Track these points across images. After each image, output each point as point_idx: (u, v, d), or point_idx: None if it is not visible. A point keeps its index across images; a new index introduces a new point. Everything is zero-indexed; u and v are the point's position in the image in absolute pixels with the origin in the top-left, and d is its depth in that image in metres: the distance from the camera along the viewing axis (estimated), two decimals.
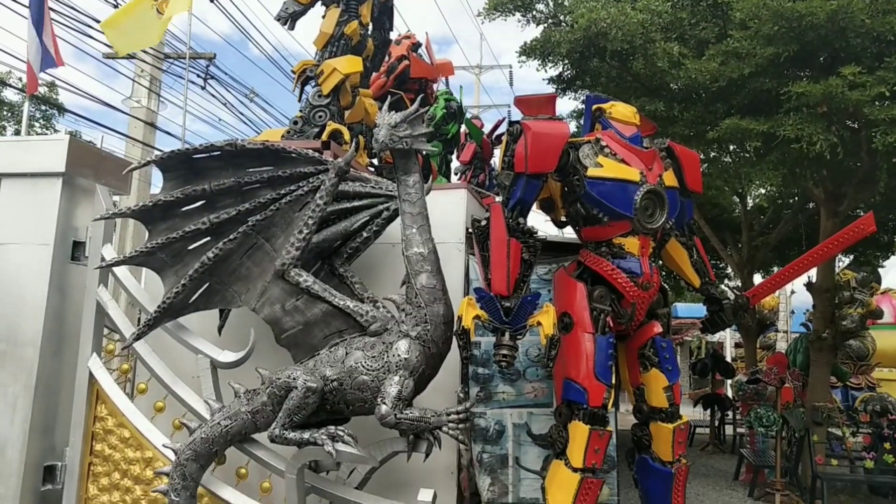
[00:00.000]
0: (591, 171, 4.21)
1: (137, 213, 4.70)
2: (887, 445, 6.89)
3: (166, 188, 4.73)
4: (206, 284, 4.64)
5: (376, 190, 4.89)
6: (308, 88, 6.10)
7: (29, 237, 4.95)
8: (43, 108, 16.89)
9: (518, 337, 3.97)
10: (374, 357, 4.15)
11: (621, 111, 4.44)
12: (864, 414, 7.62)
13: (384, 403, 3.97)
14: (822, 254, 4.64)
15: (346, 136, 5.75)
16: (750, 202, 11.22)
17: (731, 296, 4.85)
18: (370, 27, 6.43)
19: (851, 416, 7.64)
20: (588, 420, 4.02)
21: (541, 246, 4.18)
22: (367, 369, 4.13)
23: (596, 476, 4.03)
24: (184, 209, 4.71)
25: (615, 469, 4.71)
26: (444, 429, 4.06)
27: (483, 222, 4.14)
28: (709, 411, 10.88)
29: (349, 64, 5.84)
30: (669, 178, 4.42)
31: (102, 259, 4.84)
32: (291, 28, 6.06)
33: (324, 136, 5.75)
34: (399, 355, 4.06)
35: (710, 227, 11.40)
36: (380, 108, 4.41)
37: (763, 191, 8.38)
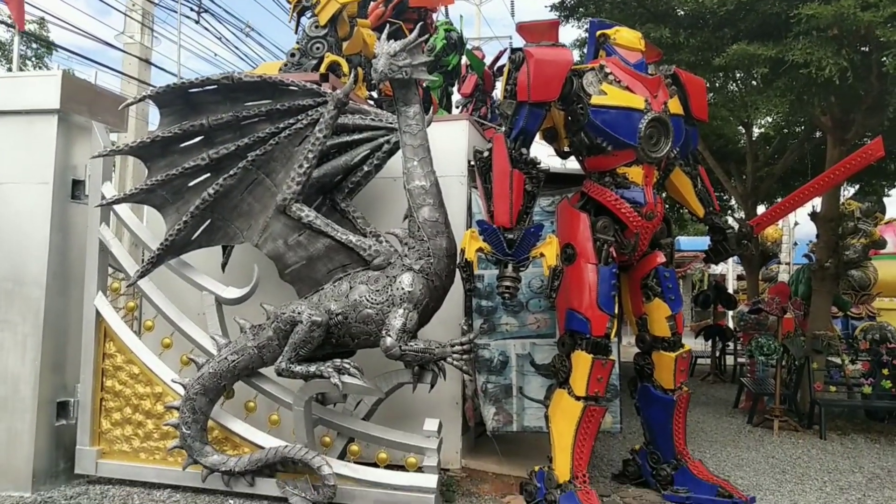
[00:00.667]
0: (595, 99, 4.13)
1: (135, 149, 4.65)
2: (885, 371, 6.97)
3: (164, 124, 4.67)
4: (208, 221, 4.64)
5: (376, 122, 4.81)
6: (304, 20, 5.95)
7: (27, 176, 4.90)
8: (34, 45, 16.52)
9: (521, 269, 3.97)
10: (378, 291, 4.17)
11: (626, 37, 4.32)
12: (864, 342, 7.69)
13: (389, 336, 4.00)
14: (828, 181, 4.59)
15: (345, 67, 5.64)
16: (756, 132, 11.05)
17: (735, 225, 4.82)
18: None
19: (851, 344, 7.71)
20: (591, 349, 4.05)
21: (544, 177, 4.14)
22: (372, 303, 4.15)
23: (598, 404, 4.10)
24: (182, 145, 4.66)
25: (618, 398, 4.78)
26: (449, 360, 4.10)
27: (485, 154, 4.08)
28: (710, 342, 11.00)
29: None
30: (675, 106, 4.34)
31: (102, 197, 4.80)
32: None
33: (322, 69, 5.63)
34: (403, 288, 4.08)
35: (715, 158, 11.26)
36: (378, 38, 4.30)
37: (769, 119, 8.20)
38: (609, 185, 4.27)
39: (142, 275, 4.59)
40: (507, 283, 3.87)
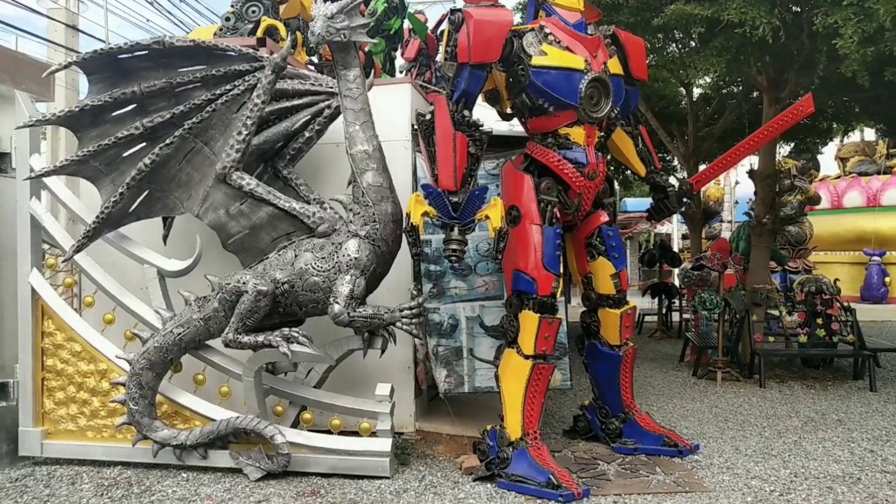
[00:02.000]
0: (536, 60, 4.12)
1: (63, 119, 4.47)
2: (819, 321, 7.29)
3: (93, 92, 4.50)
4: (146, 192, 4.52)
5: (316, 87, 4.73)
6: None
7: None
8: None
9: (467, 231, 3.98)
10: (323, 258, 4.14)
11: None
12: (801, 294, 8.00)
13: (336, 303, 3.99)
14: (762, 137, 4.71)
15: (283, 31, 5.50)
16: (696, 93, 11.24)
17: (676, 184, 4.92)
18: None
19: (788, 296, 8.01)
20: (538, 309, 4.11)
21: (487, 139, 4.13)
22: (318, 270, 4.12)
23: (547, 362, 4.17)
24: (114, 114, 4.50)
25: (567, 355, 4.87)
26: (398, 324, 4.12)
27: (427, 117, 4.05)
28: (657, 300, 11.28)
29: None
30: (614, 66, 4.37)
31: (31, 170, 4.61)
32: None
33: (259, 33, 5.48)
34: (349, 255, 4.06)
35: (658, 120, 11.43)
36: (315, 1, 4.20)
37: (707, 79, 8.32)
38: (551, 147, 4.29)
39: (77, 249, 4.45)
40: (454, 247, 3.88)
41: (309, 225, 4.27)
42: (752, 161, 7.75)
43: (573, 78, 4.14)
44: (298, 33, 6.09)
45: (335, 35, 4.04)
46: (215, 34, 5.66)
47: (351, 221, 4.19)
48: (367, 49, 8.03)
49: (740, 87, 9.81)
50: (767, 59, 6.71)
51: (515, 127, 4.94)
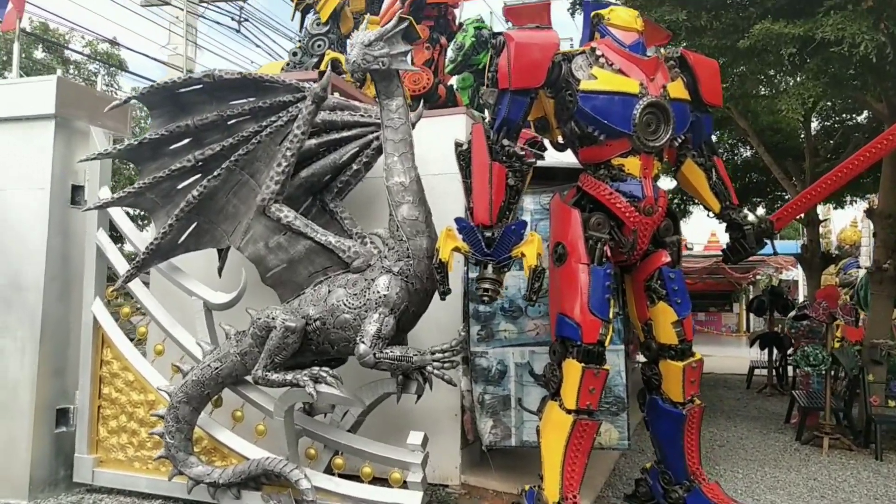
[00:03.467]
0: (584, 85, 3.79)
1: (124, 152, 4.60)
2: None
3: (153, 126, 4.60)
4: (195, 224, 4.53)
5: (366, 119, 4.61)
6: (308, 18, 5.81)
7: (26, 182, 4.93)
8: (104, 65, 17.03)
9: (504, 269, 3.67)
10: (355, 294, 3.95)
11: (621, 16, 3.97)
12: None
13: (362, 342, 3.77)
14: (854, 166, 4.08)
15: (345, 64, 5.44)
16: (815, 125, 10.32)
17: (755, 221, 4.37)
18: None
19: None
20: (582, 357, 3.70)
21: (529, 170, 3.83)
22: (349, 307, 3.93)
23: (593, 418, 3.74)
24: (172, 147, 4.57)
25: (626, 411, 4.39)
26: (428, 368, 3.83)
27: (465, 146, 3.81)
28: (767, 351, 10.28)
29: None
30: (677, 90, 3.95)
31: (93, 201, 4.76)
32: None
33: (322, 66, 5.48)
34: (378, 292, 3.84)
35: (771, 155, 10.62)
36: (356, 29, 4.10)
37: (804, 106, 7.53)
38: (604, 178, 3.92)
39: (127, 280, 4.51)
40: (486, 286, 3.58)
41: (344, 259, 4.11)
42: (872, 198, 6.89)
43: (626, 103, 3.77)
44: None
45: (373, 63, 3.90)
46: (283, 69, 5.73)
47: (385, 257, 3.98)
48: (456, 86, 7.94)
49: (864, 118, 8.89)
50: (889, 85, 5.97)
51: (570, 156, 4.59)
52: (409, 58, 4.06)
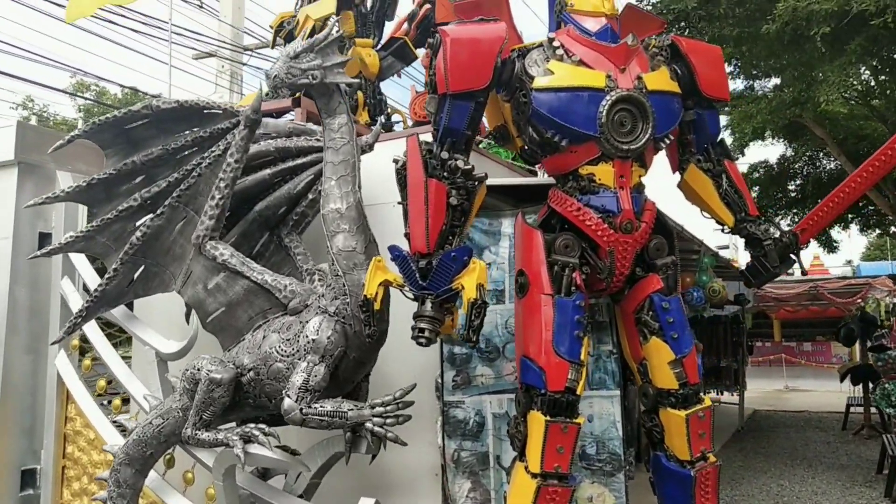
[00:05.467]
0: (539, 81, 3.18)
1: (73, 195, 4.30)
2: None
3: (108, 165, 4.30)
4: (142, 268, 4.17)
5: (321, 143, 4.15)
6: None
7: None
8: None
9: (449, 304, 3.06)
10: (288, 340, 3.45)
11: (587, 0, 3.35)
12: None
13: (287, 396, 3.25)
14: (884, 162, 3.24)
15: None
16: None
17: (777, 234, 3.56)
18: None
19: None
20: (547, 409, 3.02)
21: (479, 187, 3.23)
22: (282, 355, 3.43)
23: (564, 483, 3.03)
24: (126, 187, 4.25)
25: (623, 471, 3.63)
26: (367, 425, 3.25)
27: (401, 162, 3.26)
28: (861, 387, 8.99)
29: (321, 7, 5.14)
30: (657, 80, 3.27)
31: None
32: None
33: (297, 93, 5.08)
34: (307, 336, 3.31)
35: (855, 166, 9.45)
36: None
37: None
38: (573, 192, 3.27)
39: (69, 330, 4.17)
40: (422, 325, 2.97)
41: (281, 300, 3.61)
42: None
43: (591, 100, 3.13)
44: (360, 93, 5.64)
45: (300, 77, 3.45)
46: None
47: (323, 295, 3.46)
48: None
49: None
50: None
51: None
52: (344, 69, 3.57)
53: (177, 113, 4.07)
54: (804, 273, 4.06)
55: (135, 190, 4.21)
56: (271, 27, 5.63)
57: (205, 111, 4.04)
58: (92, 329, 4.44)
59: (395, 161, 3.31)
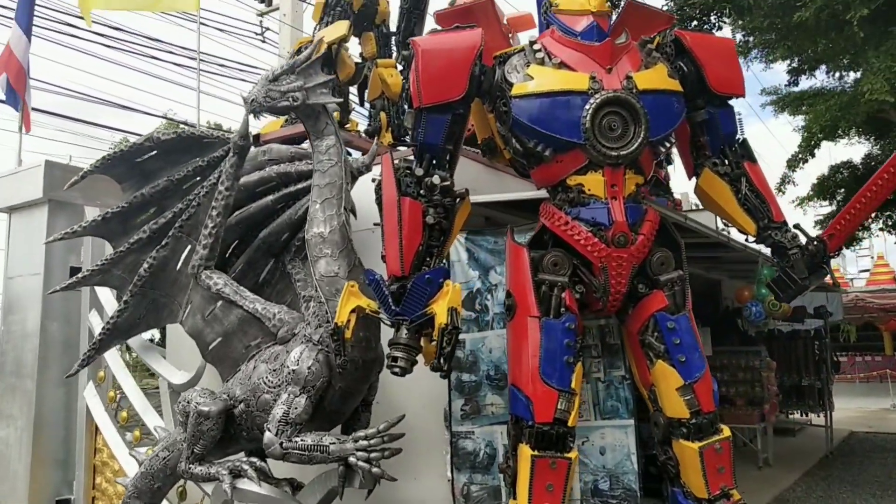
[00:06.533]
0: (518, 88, 2.97)
1: (90, 229, 4.38)
2: None
3: (123, 199, 4.39)
4: (152, 299, 4.19)
5: None
6: None
7: (25, 268, 4.93)
8: None
9: (430, 330, 2.86)
10: (275, 370, 3.34)
11: None
12: None
13: (268, 429, 3.12)
14: None
15: (337, 114, 4.96)
16: None
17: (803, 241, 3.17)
18: None
19: None
20: (535, 442, 2.77)
21: (459, 205, 3.04)
22: (269, 386, 3.32)
23: None
24: (140, 218, 4.31)
25: None
26: (351, 460, 3.07)
27: (377, 182, 3.10)
28: None
29: (334, 30, 5.07)
30: (650, 79, 2.98)
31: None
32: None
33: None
34: (288, 367, 3.19)
35: None
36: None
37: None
38: (562, 204, 3.02)
39: (83, 364, 4.22)
40: (396, 354, 2.79)
41: (270, 329, 3.51)
42: None
43: (573, 104, 2.89)
44: (383, 114, 5.54)
45: (280, 100, 3.37)
46: (282, 126, 5.36)
47: (309, 323, 3.34)
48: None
49: None
50: None
51: None
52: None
53: (178, 143, 4.09)
54: (834, 285, 3.58)
55: (148, 222, 4.26)
56: (290, 53, 5.62)
57: (203, 140, 4.04)
58: (113, 360, 4.49)
59: (374, 180, 3.16)
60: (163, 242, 4.03)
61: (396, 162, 3.06)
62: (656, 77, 3.01)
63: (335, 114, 4.93)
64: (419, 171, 2.98)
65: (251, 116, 3.48)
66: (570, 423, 2.80)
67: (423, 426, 3.55)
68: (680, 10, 4.95)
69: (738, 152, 3.36)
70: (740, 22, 4.32)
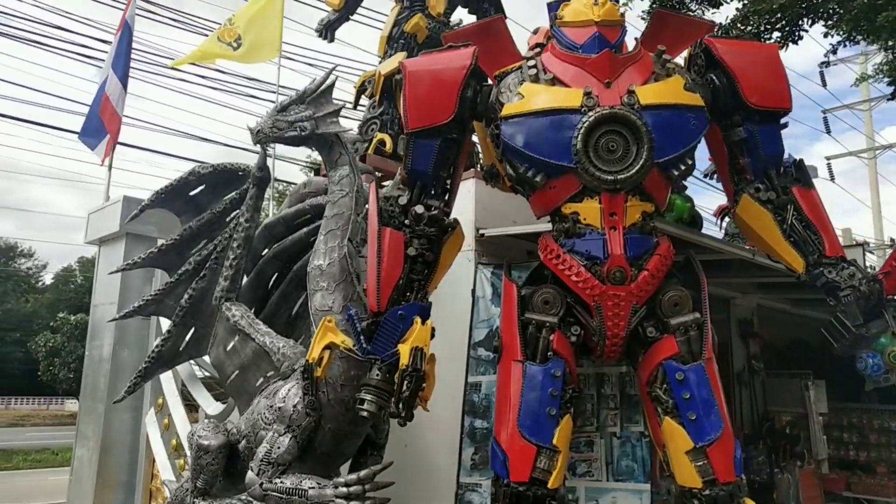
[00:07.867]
0: (507, 109, 2.71)
1: (148, 261, 4.57)
2: None
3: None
4: (192, 330, 4.27)
5: None
6: (365, 102, 5.45)
7: (106, 297, 5.23)
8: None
9: (411, 374, 2.63)
10: (271, 407, 3.23)
11: (574, 8, 2.82)
12: None
13: (251, 468, 3.01)
14: None
15: (389, 145, 4.89)
16: None
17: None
18: (449, 16, 5.47)
19: None
20: None
21: (448, 235, 2.81)
22: (266, 422, 3.24)
23: None
24: (193, 250, 4.46)
25: None
26: None
27: (365, 210, 2.95)
28: None
29: (390, 63, 5.03)
30: (658, 92, 2.61)
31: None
32: (331, 40, 5.52)
33: (370, 149, 4.99)
34: (274, 404, 3.07)
35: None
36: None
37: None
38: (558, 236, 2.70)
39: (129, 391, 4.34)
40: (365, 397, 2.59)
41: (275, 364, 3.42)
42: None
43: (563, 124, 2.59)
44: None
45: (287, 130, 3.32)
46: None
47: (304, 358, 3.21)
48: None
49: None
50: None
51: None
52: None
53: (219, 176, 4.16)
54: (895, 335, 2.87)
55: (201, 254, 4.38)
56: (355, 87, 5.65)
57: (239, 173, 4.09)
58: (168, 388, 4.61)
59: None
60: (201, 274, 4.11)
61: (383, 191, 2.90)
62: (667, 90, 2.64)
63: (387, 144, 4.95)
64: (403, 200, 2.80)
65: (258, 146, 3.46)
66: (550, 485, 2.44)
67: (433, 475, 3.28)
68: (741, 21, 4.40)
69: (788, 175, 2.88)
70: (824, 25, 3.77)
